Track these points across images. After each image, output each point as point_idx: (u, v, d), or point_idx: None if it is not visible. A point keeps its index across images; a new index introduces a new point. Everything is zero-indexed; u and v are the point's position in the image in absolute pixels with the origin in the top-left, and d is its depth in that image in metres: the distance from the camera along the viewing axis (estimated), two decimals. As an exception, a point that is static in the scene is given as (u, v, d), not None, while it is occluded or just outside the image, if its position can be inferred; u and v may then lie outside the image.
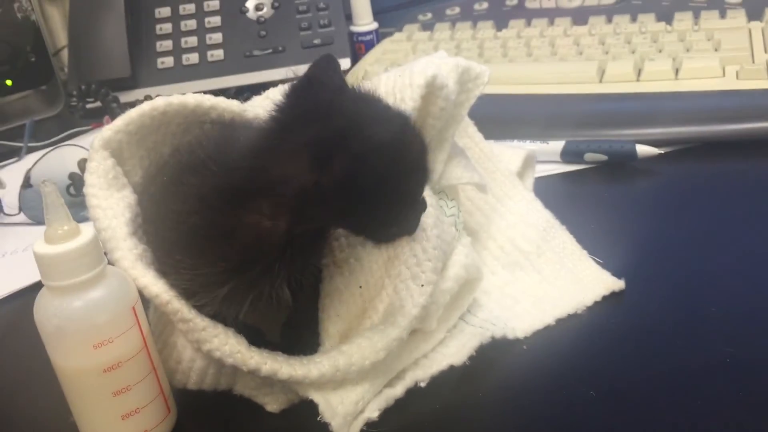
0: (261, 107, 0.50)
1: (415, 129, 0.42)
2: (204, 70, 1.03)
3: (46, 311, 0.41)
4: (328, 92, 0.41)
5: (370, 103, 0.41)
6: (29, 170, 0.76)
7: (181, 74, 1.03)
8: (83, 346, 0.41)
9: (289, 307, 0.48)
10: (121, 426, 0.43)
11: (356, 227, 0.42)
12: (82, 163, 0.78)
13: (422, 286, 0.45)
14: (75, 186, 0.77)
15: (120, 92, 1.00)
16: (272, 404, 0.46)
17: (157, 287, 0.43)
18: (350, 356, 0.43)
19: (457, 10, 1.08)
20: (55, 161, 0.77)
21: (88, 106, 0.99)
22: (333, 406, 0.43)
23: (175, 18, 1.06)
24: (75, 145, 0.79)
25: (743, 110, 0.74)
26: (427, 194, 0.47)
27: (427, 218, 0.46)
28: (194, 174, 0.42)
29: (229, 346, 0.43)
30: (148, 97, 0.95)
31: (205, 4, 1.07)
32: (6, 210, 0.77)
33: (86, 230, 0.41)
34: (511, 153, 0.63)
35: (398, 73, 0.47)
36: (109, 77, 1.00)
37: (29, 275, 0.65)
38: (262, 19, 1.05)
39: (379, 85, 0.48)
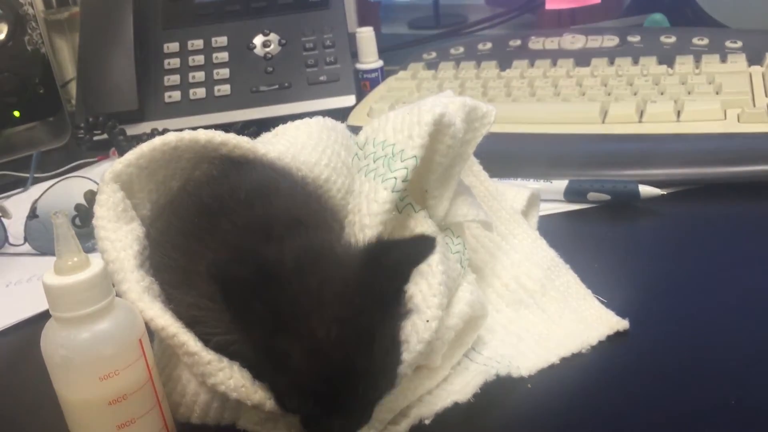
0: (270, 143, 0.51)
1: None
2: (211, 104, 1.04)
3: (53, 342, 0.41)
4: None
5: None
6: (35, 201, 0.77)
7: (188, 108, 1.04)
8: (89, 378, 0.41)
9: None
10: (125, 459, 0.43)
11: None
12: (89, 195, 0.78)
13: (427, 321, 0.45)
14: (81, 217, 0.78)
15: (127, 125, 1.01)
16: (276, 439, 0.46)
17: (164, 320, 0.43)
18: (354, 392, 0.43)
19: (461, 49, 1.10)
20: (61, 192, 0.78)
21: (95, 138, 1.00)
22: (339, 441, 0.43)
23: (183, 53, 1.07)
24: (82, 177, 0.79)
25: (744, 153, 0.75)
26: (433, 230, 0.48)
27: (433, 255, 0.46)
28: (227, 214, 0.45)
29: (234, 380, 0.43)
30: (155, 131, 0.96)
31: (213, 40, 1.08)
32: (11, 240, 0.77)
33: (96, 262, 0.41)
34: (515, 192, 0.63)
35: (406, 111, 0.48)
36: (117, 110, 1.01)
37: (34, 305, 0.65)
38: (269, 55, 1.06)
39: (387, 122, 0.48)
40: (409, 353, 0.44)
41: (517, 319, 0.54)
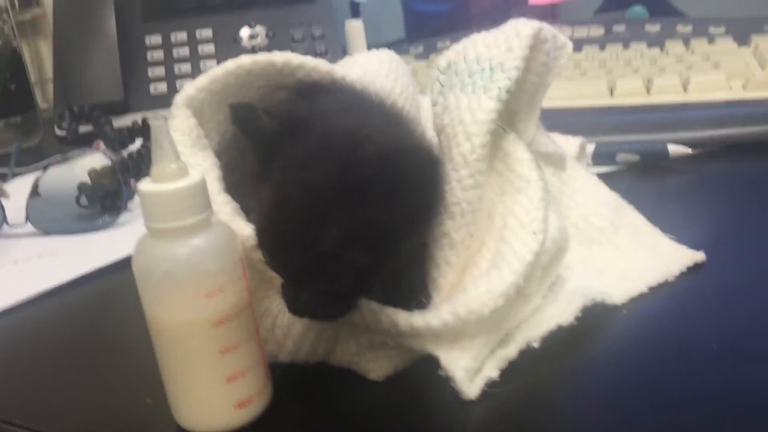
0: (347, 66, 0.49)
1: None
2: (199, 95, 1.00)
3: (153, 257, 0.37)
4: None
5: None
6: (38, 179, 0.71)
7: (176, 99, 1.00)
8: (195, 295, 0.37)
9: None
10: (227, 389, 0.39)
11: None
12: (93, 173, 0.73)
13: (535, 233, 0.43)
14: (87, 196, 0.73)
15: (112, 117, 0.96)
16: (377, 371, 0.42)
17: (261, 240, 0.40)
18: (468, 304, 0.40)
19: (448, 43, 1.10)
20: (64, 171, 0.73)
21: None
22: (454, 359, 0.40)
23: (167, 45, 1.04)
24: (86, 154, 0.75)
25: (756, 116, 0.77)
26: (526, 152, 0.46)
27: (532, 171, 0.45)
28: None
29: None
30: (146, 120, 0.92)
31: (198, 32, 1.05)
32: (9, 221, 0.71)
33: (194, 172, 0.38)
34: (565, 139, 0.63)
35: (495, 30, 0.46)
36: (101, 101, 0.97)
37: (53, 278, 0.60)
38: (257, 48, 1.04)
39: (475, 42, 0.47)
40: (520, 262, 0.42)
41: (592, 256, 0.53)
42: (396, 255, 0.38)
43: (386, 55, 0.51)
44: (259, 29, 1.05)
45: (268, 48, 1.04)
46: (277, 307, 0.42)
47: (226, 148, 0.48)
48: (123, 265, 0.63)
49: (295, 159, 0.36)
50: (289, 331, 0.42)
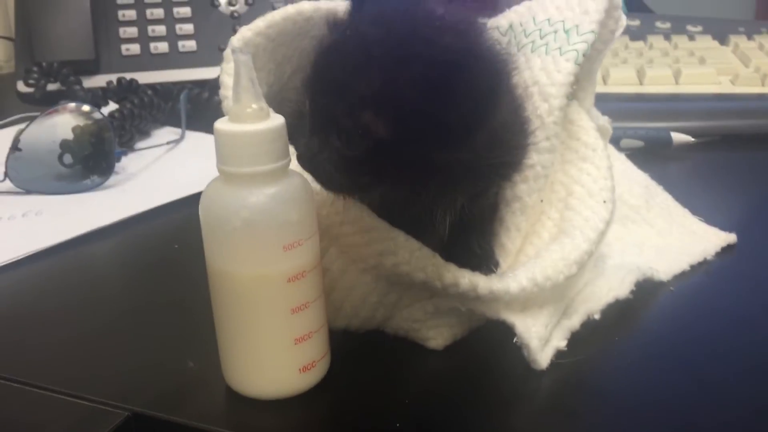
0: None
1: None
2: (175, 59, 0.96)
3: (229, 204, 0.34)
4: None
5: None
6: (20, 133, 0.66)
7: (149, 62, 0.95)
8: (273, 247, 0.34)
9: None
10: (294, 352, 0.36)
11: None
12: (77, 130, 0.68)
13: (605, 202, 0.42)
14: (72, 153, 0.68)
15: (81, 77, 0.90)
16: (437, 339, 0.41)
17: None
18: (544, 270, 0.39)
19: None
20: (46, 127, 0.68)
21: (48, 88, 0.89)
22: (528, 327, 0.38)
23: (139, 5, 0.98)
24: (69, 109, 0.69)
25: (748, 110, 0.78)
26: (588, 120, 0.45)
27: (597, 140, 0.44)
28: None
29: (419, 258, 0.38)
30: (122, 79, 0.87)
31: (172, -6, 1.00)
32: (-17, 178, 0.66)
33: (275, 114, 0.35)
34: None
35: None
36: (71, 58, 0.91)
37: (39, 240, 0.55)
38: (236, 14, 1.00)
39: (545, 4, 0.45)
40: (593, 231, 0.41)
41: (628, 234, 0.52)
42: (420, 162, 0.35)
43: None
44: (238, -5, 1.01)
45: (248, 15, 1.00)
46: (337, 267, 0.40)
47: (270, 102, 0.45)
48: (123, 228, 0.59)
49: (372, 15, 0.35)
50: (349, 293, 0.40)
